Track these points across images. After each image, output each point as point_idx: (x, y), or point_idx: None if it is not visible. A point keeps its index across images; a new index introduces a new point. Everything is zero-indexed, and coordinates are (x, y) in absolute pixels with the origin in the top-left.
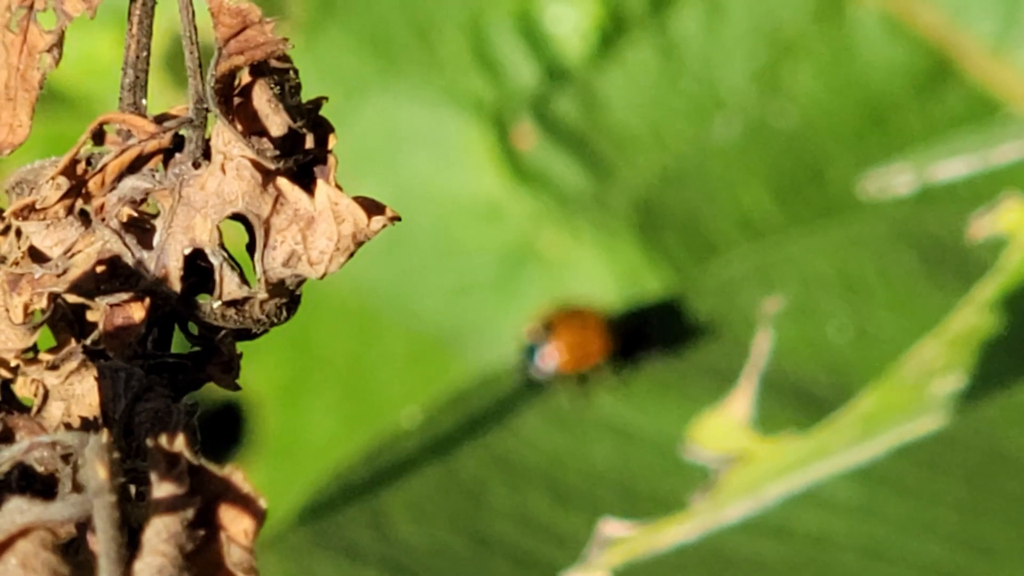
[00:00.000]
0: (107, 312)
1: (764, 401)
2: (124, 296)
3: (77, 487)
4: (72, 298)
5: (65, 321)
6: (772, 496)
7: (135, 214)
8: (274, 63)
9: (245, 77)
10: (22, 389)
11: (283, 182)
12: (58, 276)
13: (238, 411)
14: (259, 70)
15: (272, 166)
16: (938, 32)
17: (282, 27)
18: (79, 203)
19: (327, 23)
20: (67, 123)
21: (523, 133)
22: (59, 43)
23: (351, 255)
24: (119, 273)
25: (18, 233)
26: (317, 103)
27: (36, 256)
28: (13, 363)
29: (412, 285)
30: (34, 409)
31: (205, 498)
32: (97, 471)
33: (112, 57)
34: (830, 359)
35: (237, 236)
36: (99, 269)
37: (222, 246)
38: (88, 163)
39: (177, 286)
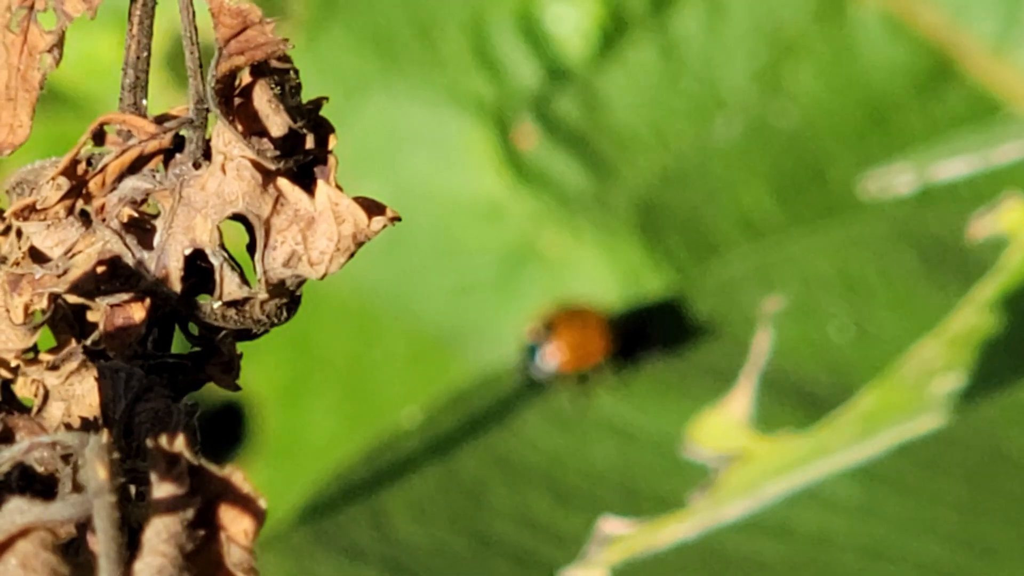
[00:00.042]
0: (107, 312)
1: (764, 400)
2: (124, 296)
3: (77, 487)
4: (72, 298)
5: (65, 321)
6: (772, 495)
7: (135, 214)
8: (275, 63)
9: (246, 77)
10: (22, 389)
11: (283, 182)
12: (58, 276)
13: (238, 411)
14: (259, 70)
15: (272, 166)
16: (939, 32)
17: (283, 27)
18: (80, 203)
19: (328, 22)
20: (68, 123)
21: (524, 133)
22: (60, 43)
23: (351, 255)
24: (119, 273)
25: (19, 233)
26: (317, 103)
27: (37, 256)
28: (13, 363)
29: (412, 285)
30: (34, 409)
31: (205, 498)
32: (97, 471)
33: (112, 57)
34: (830, 359)
35: (237, 236)
36: (99, 269)
37: (222, 246)
38: (89, 163)
39: (177, 286)
